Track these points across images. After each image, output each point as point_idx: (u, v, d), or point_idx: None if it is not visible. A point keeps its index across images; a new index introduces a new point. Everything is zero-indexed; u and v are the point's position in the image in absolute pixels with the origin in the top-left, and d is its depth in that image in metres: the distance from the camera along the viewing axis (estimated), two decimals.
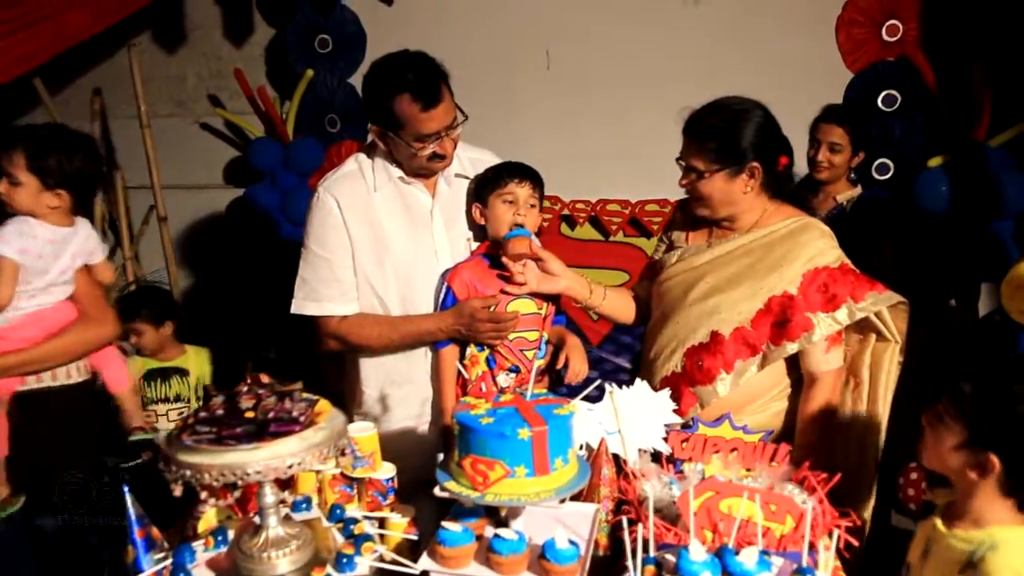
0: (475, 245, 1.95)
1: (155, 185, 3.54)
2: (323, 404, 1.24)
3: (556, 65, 3.38)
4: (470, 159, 1.98)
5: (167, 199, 3.72)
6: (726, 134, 1.78)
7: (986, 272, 2.87)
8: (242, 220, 3.68)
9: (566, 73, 3.36)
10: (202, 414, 1.17)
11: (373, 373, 1.97)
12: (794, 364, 1.85)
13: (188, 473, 1.10)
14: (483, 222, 1.88)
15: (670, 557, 1.18)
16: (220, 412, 1.17)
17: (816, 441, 1.78)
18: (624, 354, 3.51)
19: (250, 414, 1.16)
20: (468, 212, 1.94)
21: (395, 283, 1.90)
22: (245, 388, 1.22)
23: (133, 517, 1.28)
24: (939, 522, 1.35)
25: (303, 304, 1.93)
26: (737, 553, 1.15)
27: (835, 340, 1.80)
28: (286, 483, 1.53)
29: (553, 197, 3.42)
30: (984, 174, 2.81)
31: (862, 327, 1.84)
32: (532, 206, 1.84)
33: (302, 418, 1.17)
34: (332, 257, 1.89)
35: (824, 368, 1.80)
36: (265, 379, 2.58)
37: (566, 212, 3.51)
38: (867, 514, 1.84)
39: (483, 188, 1.87)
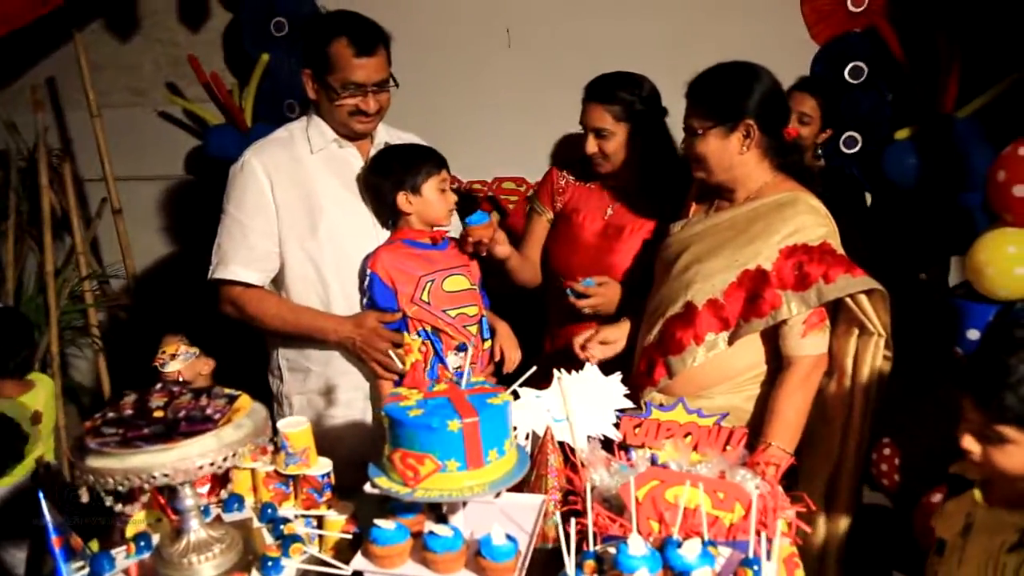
0: None
1: (108, 176, 3.44)
2: (243, 400, 1.18)
3: (517, 44, 3.30)
4: (399, 139, 1.98)
5: (127, 191, 3.62)
6: (720, 89, 1.76)
7: (956, 245, 2.83)
8: (203, 210, 3.59)
9: (528, 52, 3.28)
10: (110, 415, 1.11)
11: (294, 357, 1.94)
12: (777, 352, 1.78)
13: (92, 478, 1.03)
14: (411, 209, 1.85)
15: (611, 551, 1.13)
16: (128, 412, 1.10)
17: (780, 426, 1.71)
18: None
19: (159, 413, 1.09)
20: (377, 198, 1.89)
21: (330, 248, 1.87)
22: (159, 387, 1.16)
23: (50, 525, 1.22)
24: (980, 497, 1.32)
25: (215, 270, 1.88)
26: (680, 545, 1.10)
27: (814, 325, 1.73)
28: (223, 482, 1.48)
29: (518, 178, 3.34)
30: (952, 145, 2.75)
31: (849, 318, 1.75)
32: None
33: (217, 416, 1.10)
34: (247, 221, 1.85)
35: (799, 352, 1.73)
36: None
37: (531, 193, 3.43)
38: (846, 504, 1.78)
39: (413, 176, 1.83)
